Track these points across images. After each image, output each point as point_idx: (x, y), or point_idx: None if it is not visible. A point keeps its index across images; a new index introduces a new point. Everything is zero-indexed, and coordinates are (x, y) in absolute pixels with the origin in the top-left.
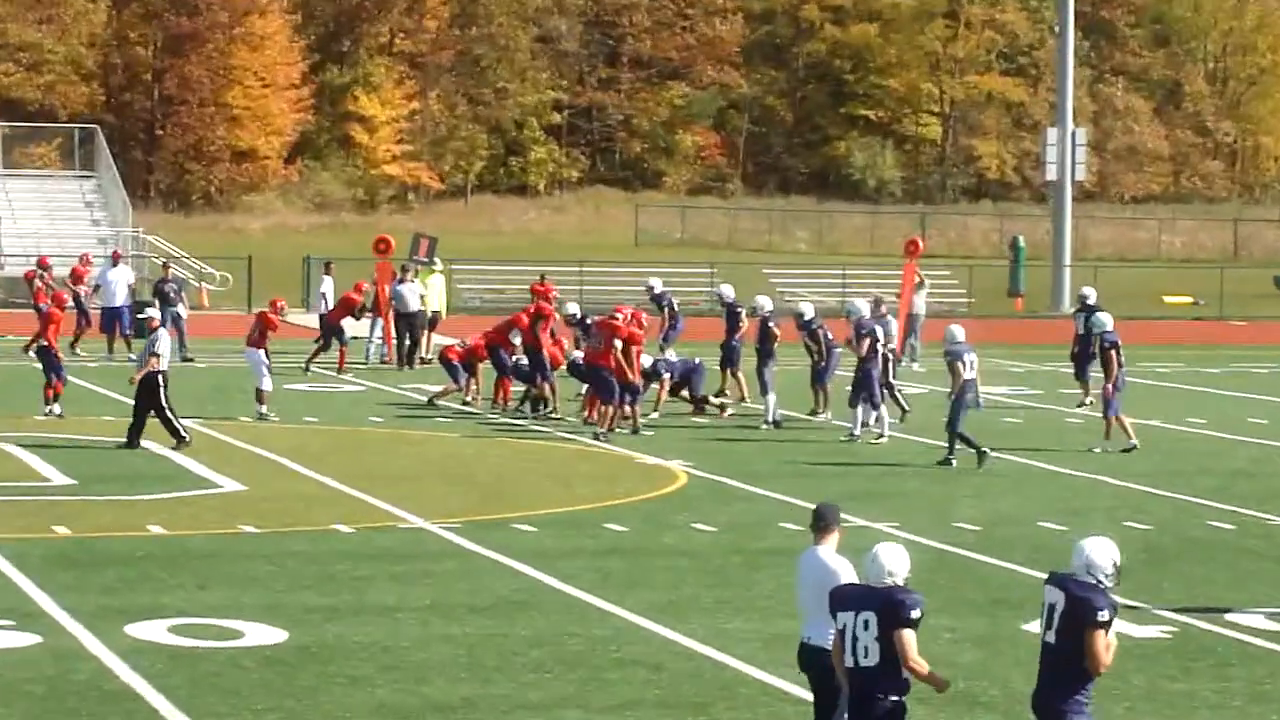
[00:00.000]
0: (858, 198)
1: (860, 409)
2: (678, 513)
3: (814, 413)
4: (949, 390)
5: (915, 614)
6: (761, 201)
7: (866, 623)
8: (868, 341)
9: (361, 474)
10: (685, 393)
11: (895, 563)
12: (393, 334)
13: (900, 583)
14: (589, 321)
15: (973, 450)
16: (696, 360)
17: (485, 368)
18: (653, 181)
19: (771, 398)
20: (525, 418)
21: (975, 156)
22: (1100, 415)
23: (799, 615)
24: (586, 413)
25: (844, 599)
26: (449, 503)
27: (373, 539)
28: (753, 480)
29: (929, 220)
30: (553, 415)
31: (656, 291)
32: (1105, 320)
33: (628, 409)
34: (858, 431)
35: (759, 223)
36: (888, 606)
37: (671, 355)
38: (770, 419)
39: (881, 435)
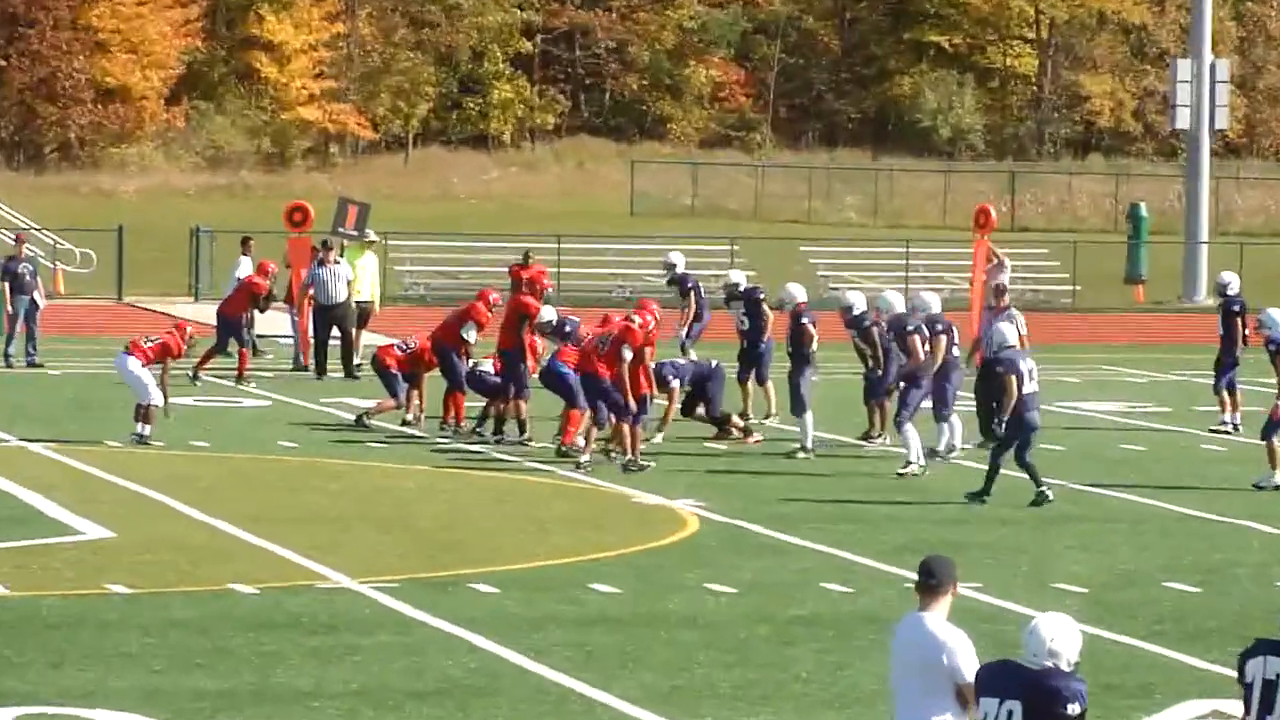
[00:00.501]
0: (927, 152)
1: (908, 431)
2: (685, 569)
3: (867, 436)
4: (998, 408)
5: (1074, 709)
6: (799, 157)
7: (1010, 714)
8: (916, 339)
9: (267, 516)
10: (701, 410)
11: (1061, 638)
12: (310, 331)
13: (1065, 666)
14: (568, 329)
15: (985, 483)
16: (713, 364)
17: (434, 377)
18: (655, 130)
19: (808, 417)
20: (485, 442)
21: (1082, 97)
22: (1259, 440)
23: (893, 700)
24: (565, 436)
25: (988, 681)
26: (383, 555)
27: (282, 602)
28: (784, 526)
29: (1021, 181)
30: (526, 440)
31: (679, 272)
32: (1276, 317)
33: (626, 429)
34: (919, 460)
35: (795, 185)
36: (1038, 695)
37: (682, 359)
38: (807, 444)
39: (908, 465)
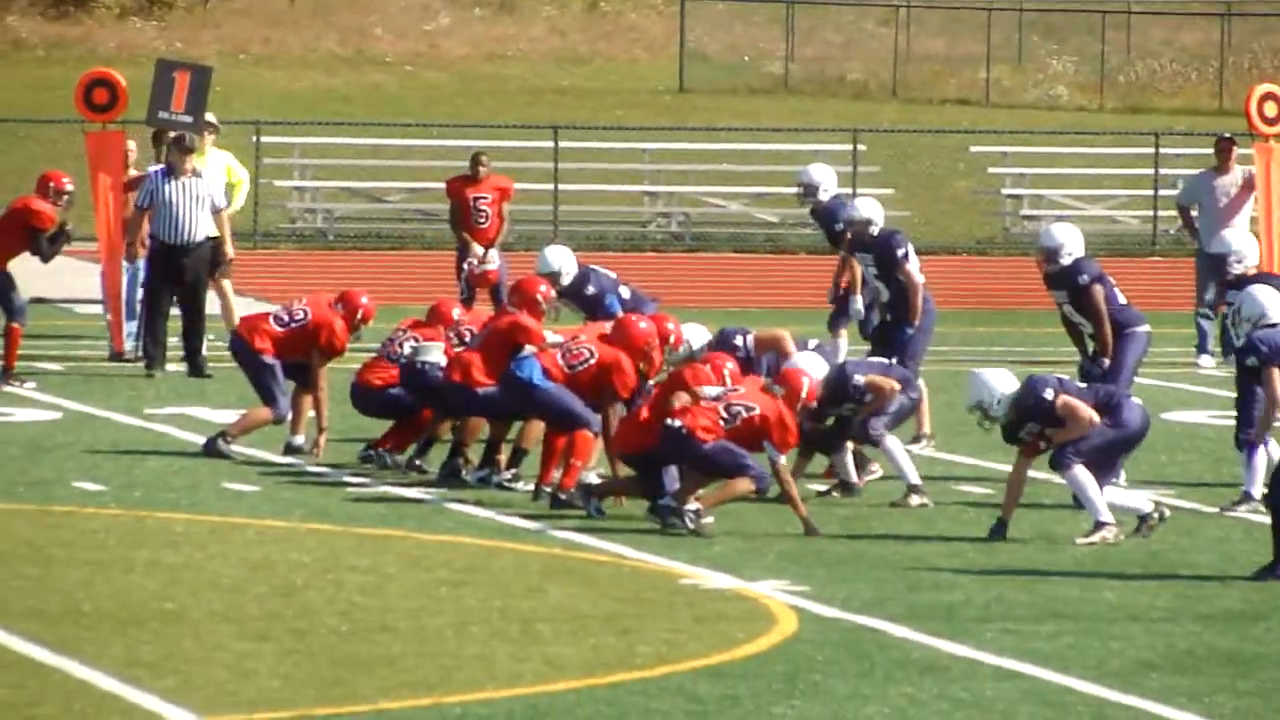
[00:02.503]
0: None
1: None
2: (777, 700)
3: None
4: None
5: None
6: None
7: None
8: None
9: (56, 612)
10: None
11: None
12: (122, 290)
13: None
14: (603, 294)
15: (1277, 547)
16: (809, 343)
17: (338, 373)
18: None
19: (894, 442)
20: (431, 484)
21: None
22: None
23: None
24: (565, 476)
25: None
26: (255, 679)
27: None
28: (943, 625)
29: None
30: (511, 480)
31: (825, 198)
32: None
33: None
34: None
35: (962, 39)
36: None
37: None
38: (907, 480)
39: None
